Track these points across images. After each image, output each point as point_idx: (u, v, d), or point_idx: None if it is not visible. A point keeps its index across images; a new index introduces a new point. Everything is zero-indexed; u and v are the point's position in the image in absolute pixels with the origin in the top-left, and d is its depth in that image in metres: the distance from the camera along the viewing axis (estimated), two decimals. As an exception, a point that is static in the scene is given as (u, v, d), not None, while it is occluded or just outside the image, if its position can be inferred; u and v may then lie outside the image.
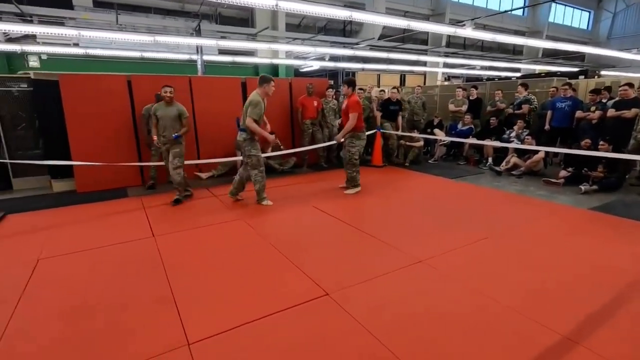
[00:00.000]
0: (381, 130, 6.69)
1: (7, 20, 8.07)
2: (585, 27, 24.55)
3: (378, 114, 6.80)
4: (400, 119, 6.89)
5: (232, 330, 2.00)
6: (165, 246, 3.22)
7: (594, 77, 9.96)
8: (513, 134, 6.36)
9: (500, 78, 14.12)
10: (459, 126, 7.27)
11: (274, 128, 6.46)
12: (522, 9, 20.97)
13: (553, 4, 20.43)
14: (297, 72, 14.36)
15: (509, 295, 2.33)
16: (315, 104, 6.54)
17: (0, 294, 2.46)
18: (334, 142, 6.07)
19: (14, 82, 5.31)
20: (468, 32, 6.85)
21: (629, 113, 5.20)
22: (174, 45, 10.02)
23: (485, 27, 16.66)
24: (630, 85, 5.39)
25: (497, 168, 6.13)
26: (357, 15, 5.86)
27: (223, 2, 4.92)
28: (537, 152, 5.71)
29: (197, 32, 9.43)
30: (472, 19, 6.80)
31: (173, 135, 4.33)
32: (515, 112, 6.72)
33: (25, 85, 5.32)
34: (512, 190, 5.03)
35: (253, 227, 3.67)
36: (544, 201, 4.50)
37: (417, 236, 3.40)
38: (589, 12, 24.28)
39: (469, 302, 2.28)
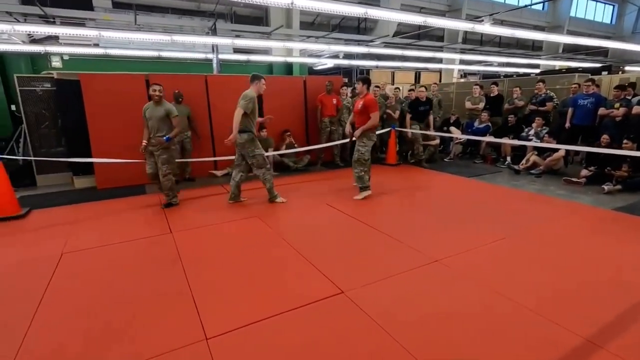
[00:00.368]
0: (405, 130, 6.51)
1: (31, 22, 8.34)
2: (608, 22, 23.68)
3: (408, 116, 6.53)
4: (431, 118, 6.58)
5: (248, 326, 2.03)
6: (182, 242, 3.28)
7: (617, 73, 9.62)
8: (532, 132, 6.21)
9: (518, 75, 13.81)
10: (476, 124, 7.13)
11: (289, 126, 6.51)
12: (541, 4, 20.38)
13: (575, -2, 19.79)
14: (310, 70, 14.34)
15: (528, 296, 2.28)
16: (335, 101, 6.52)
17: (28, 286, 2.55)
18: (347, 140, 6.04)
19: (38, 82, 5.49)
20: (486, 27, 6.70)
21: (655, 110, 5.01)
22: (190, 44, 10.15)
23: (502, 23, 16.27)
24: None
25: (515, 167, 6.00)
26: (373, 12, 5.81)
27: (239, 0, 4.93)
28: (556, 150, 5.56)
29: (213, 31, 9.52)
30: (491, 14, 6.63)
31: (164, 137, 4.08)
32: (540, 109, 6.54)
33: (49, 85, 5.50)
34: (531, 190, 4.92)
35: (268, 225, 3.70)
36: (565, 201, 4.39)
37: (433, 235, 3.36)
38: (613, 5, 23.41)
39: (486, 302, 2.24)
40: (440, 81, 15.36)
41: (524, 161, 5.99)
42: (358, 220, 3.77)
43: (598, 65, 12.71)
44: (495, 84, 7.46)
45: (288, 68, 12.26)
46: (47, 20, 8.37)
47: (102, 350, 1.88)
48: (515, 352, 1.80)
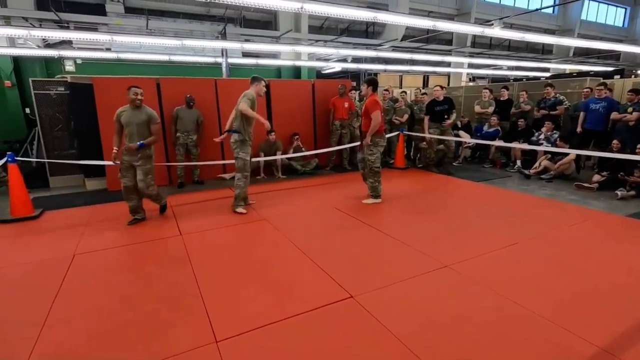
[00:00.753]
0: (415, 134, 6.37)
1: (46, 27, 8.53)
2: (620, 25, 23.39)
3: (425, 118, 6.21)
4: (453, 117, 6.09)
5: (258, 329, 2.03)
6: (192, 244, 3.31)
7: (630, 77, 9.47)
8: (542, 136, 6.15)
9: (528, 78, 13.67)
10: (485, 128, 7.08)
11: (297, 129, 6.53)
12: (551, 7, 20.22)
13: (586, 1, 19.58)
14: (318, 74, 14.39)
15: (540, 303, 2.24)
16: (347, 105, 6.53)
17: (41, 286, 2.59)
18: (357, 143, 6.01)
19: (53, 86, 5.61)
20: (496, 31, 6.67)
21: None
22: (200, 48, 10.29)
23: (512, 26, 16.17)
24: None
25: (526, 171, 5.94)
26: (382, 17, 5.82)
27: (249, 5, 4.97)
28: (567, 154, 5.48)
29: (223, 36, 9.64)
30: (500, 18, 6.60)
31: (137, 143, 3.67)
32: (551, 113, 6.46)
33: (63, 89, 5.61)
34: (542, 195, 4.86)
35: (277, 228, 3.71)
36: (577, 206, 4.32)
37: (443, 240, 3.33)
38: (625, 8, 23.12)
39: (497, 309, 2.21)
40: (448, 85, 15.30)
41: (536, 165, 5.92)
42: (367, 224, 3.76)
43: (610, 69, 12.53)
44: (506, 87, 7.40)
45: (296, 72, 12.33)
46: (62, 25, 8.55)
47: (111, 351, 1.89)
48: (528, 360, 1.77)
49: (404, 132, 6.72)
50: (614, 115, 5.64)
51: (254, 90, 4.14)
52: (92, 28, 9.22)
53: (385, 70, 14.82)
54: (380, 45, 12.31)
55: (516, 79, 12.53)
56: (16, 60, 8.13)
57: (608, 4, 22.24)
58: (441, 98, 6.05)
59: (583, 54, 18.56)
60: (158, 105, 5.55)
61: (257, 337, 1.97)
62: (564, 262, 2.85)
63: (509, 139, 6.63)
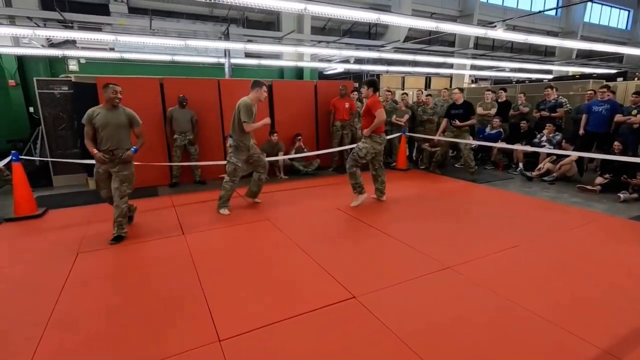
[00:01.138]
0: (416, 135, 6.33)
1: (50, 26, 8.57)
2: (623, 27, 23.33)
3: (443, 120, 6.14)
4: (469, 122, 5.85)
5: (261, 329, 2.04)
6: (194, 244, 3.32)
7: (633, 80, 9.45)
8: (544, 138, 6.14)
9: (530, 80, 13.66)
10: (487, 130, 7.08)
11: (300, 130, 6.54)
12: (554, 9, 20.19)
13: (589, 3, 19.54)
14: (321, 75, 14.40)
15: (542, 305, 2.25)
16: (347, 105, 6.53)
17: (44, 285, 2.61)
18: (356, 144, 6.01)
19: (57, 85, 5.64)
20: (499, 33, 6.66)
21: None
22: (203, 49, 10.31)
23: (515, 28, 16.15)
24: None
25: (528, 173, 5.93)
26: (385, 18, 5.83)
27: (252, 5, 4.98)
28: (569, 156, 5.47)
29: (225, 36, 9.66)
30: (503, 20, 6.60)
31: (132, 149, 3.41)
32: (552, 115, 6.45)
33: (66, 88, 5.64)
34: (545, 197, 4.85)
35: (279, 228, 3.72)
36: (579, 209, 4.32)
37: (444, 242, 3.34)
38: (629, 11, 23.06)
39: (499, 310, 2.22)
40: (450, 86, 15.28)
41: (540, 165, 5.91)
42: (369, 225, 3.76)
43: (613, 71, 12.50)
44: (504, 89, 7.39)
45: (299, 72, 12.35)
46: (66, 25, 8.59)
47: (115, 350, 1.91)
48: (530, 362, 1.78)
49: (406, 133, 6.72)
50: (618, 117, 5.63)
51: (254, 96, 4.08)
52: (96, 28, 9.26)
53: (387, 72, 14.81)
54: (382, 46, 12.31)
55: (519, 81, 12.53)
56: (20, 59, 8.18)
57: (611, 7, 22.20)
58: (460, 102, 5.94)
59: (586, 56, 18.50)
60: (161, 105, 5.57)
61: (260, 337, 1.98)
62: (566, 264, 2.85)
63: (511, 141, 6.62)
